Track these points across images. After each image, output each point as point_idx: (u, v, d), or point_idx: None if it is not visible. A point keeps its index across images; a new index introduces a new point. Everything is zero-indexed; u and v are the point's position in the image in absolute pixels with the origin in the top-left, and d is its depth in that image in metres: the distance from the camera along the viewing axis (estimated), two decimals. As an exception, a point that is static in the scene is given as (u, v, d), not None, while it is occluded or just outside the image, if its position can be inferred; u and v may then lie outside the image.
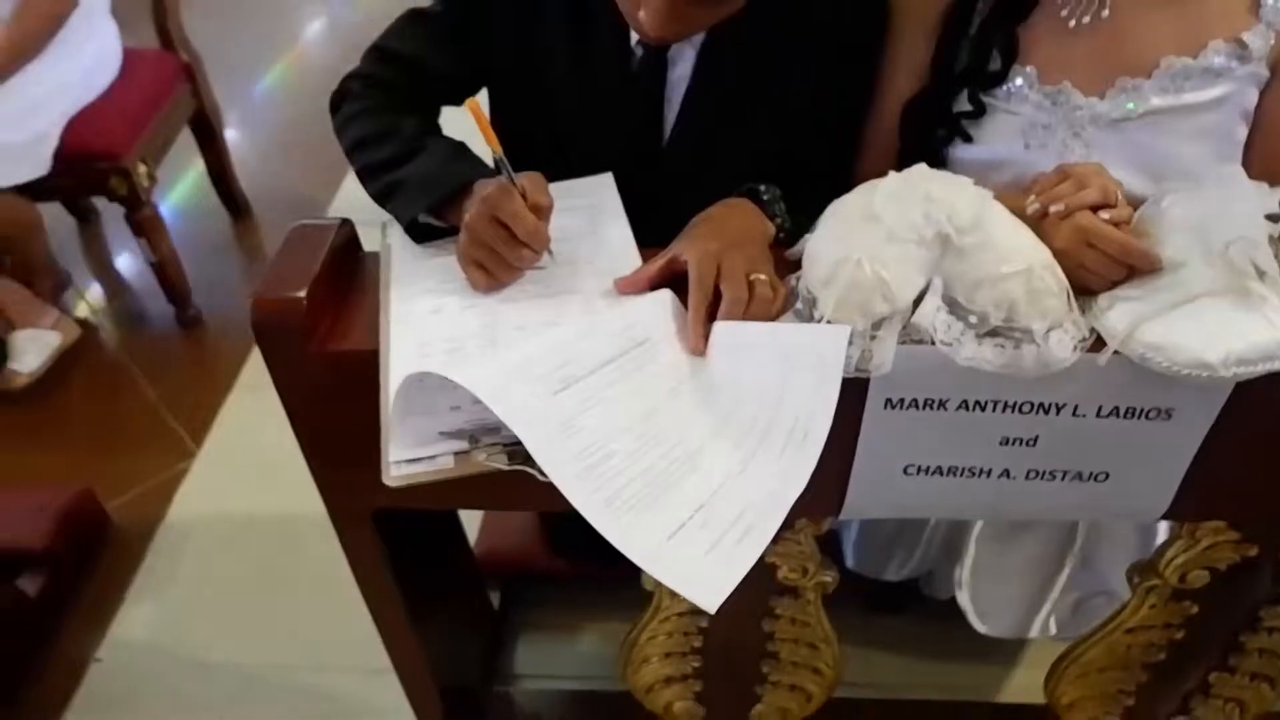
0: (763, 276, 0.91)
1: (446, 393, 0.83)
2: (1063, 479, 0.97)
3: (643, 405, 0.85)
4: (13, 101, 1.99)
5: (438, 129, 1.17)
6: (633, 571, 0.87)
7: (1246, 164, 1.09)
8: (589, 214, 1.07)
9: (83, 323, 2.40)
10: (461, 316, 0.95)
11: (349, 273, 1.02)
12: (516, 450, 0.80)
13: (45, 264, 2.28)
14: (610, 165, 1.16)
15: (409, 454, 0.83)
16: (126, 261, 2.61)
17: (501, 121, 1.25)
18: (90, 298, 2.54)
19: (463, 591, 1.61)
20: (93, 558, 1.90)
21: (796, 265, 0.96)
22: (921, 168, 0.96)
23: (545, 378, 0.81)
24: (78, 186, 2.19)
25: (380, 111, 1.13)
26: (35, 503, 1.86)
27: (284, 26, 3.92)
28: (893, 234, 0.89)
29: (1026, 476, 0.97)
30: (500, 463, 0.81)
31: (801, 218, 1.07)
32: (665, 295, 0.93)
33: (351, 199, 2.22)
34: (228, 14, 4.06)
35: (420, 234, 1.05)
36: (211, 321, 2.42)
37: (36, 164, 2.04)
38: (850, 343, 0.87)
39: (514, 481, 0.83)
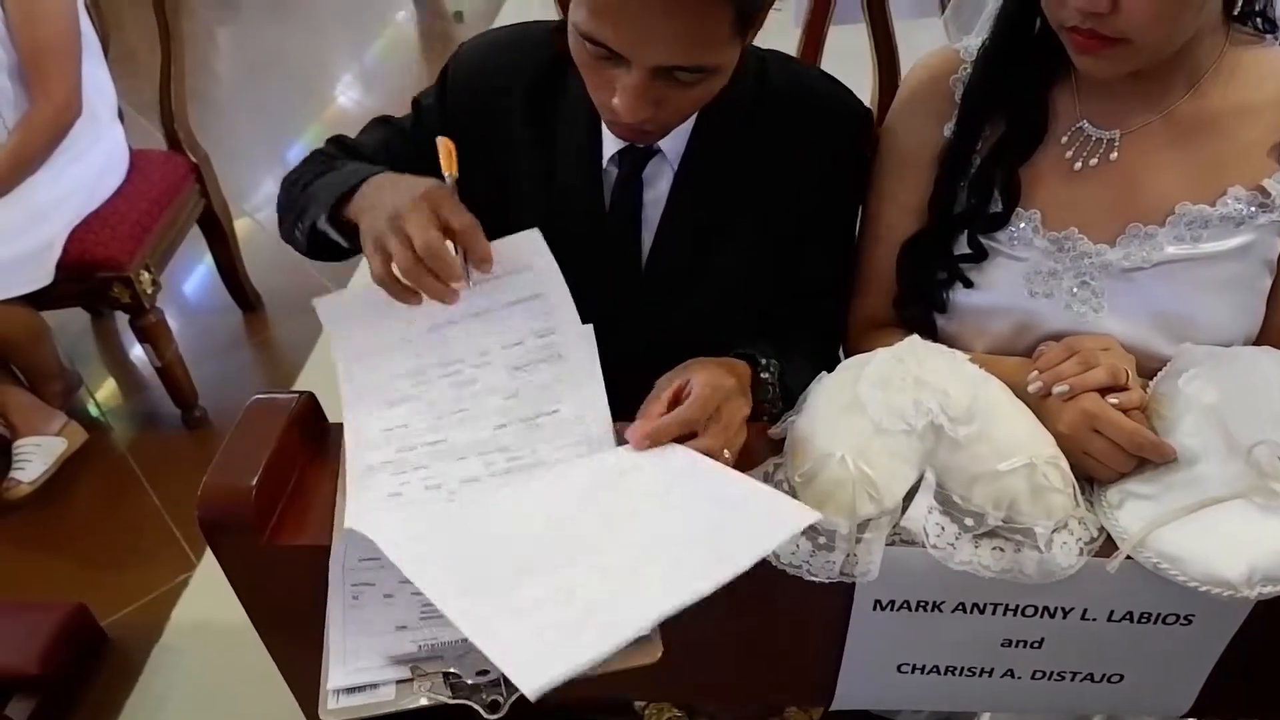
0: (728, 454, 0.86)
1: (394, 609, 0.77)
2: (1073, 679, 0.90)
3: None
4: (17, 211, 1.98)
5: None
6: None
7: (1270, 316, 1.02)
8: (535, 309, 0.96)
9: (92, 423, 2.39)
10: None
11: (309, 450, 0.97)
12: (460, 682, 0.74)
13: (52, 369, 2.25)
14: (587, 290, 1.10)
15: (350, 680, 0.77)
16: (139, 357, 2.59)
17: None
18: (101, 396, 2.52)
19: None
20: (86, 678, 1.85)
21: (779, 445, 0.90)
22: (913, 342, 0.90)
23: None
24: (80, 296, 2.16)
25: (321, 160, 1.11)
26: (28, 623, 1.81)
27: (297, 115, 3.95)
28: (880, 425, 0.82)
29: (1032, 677, 0.90)
30: (443, 696, 0.75)
31: (790, 360, 1.03)
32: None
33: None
34: (240, 105, 4.12)
35: (321, 248, 1.03)
36: (218, 422, 2.38)
37: (40, 274, 2.01)
38: (834, 547, 0.80)
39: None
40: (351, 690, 0.77)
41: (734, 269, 1.12)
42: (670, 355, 0.99)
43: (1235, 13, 0.96)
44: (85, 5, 2.04)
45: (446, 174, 0.94)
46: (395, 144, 1.15)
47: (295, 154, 3.67)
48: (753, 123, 1.07)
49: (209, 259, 2.67)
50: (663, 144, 1.06)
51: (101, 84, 2.11)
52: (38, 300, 2.07)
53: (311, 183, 1.04)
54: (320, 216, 0.98)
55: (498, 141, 1.11)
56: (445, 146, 0.97)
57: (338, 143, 1.17)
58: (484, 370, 0.94)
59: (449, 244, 0.85)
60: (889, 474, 0.81)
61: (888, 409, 0.82)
